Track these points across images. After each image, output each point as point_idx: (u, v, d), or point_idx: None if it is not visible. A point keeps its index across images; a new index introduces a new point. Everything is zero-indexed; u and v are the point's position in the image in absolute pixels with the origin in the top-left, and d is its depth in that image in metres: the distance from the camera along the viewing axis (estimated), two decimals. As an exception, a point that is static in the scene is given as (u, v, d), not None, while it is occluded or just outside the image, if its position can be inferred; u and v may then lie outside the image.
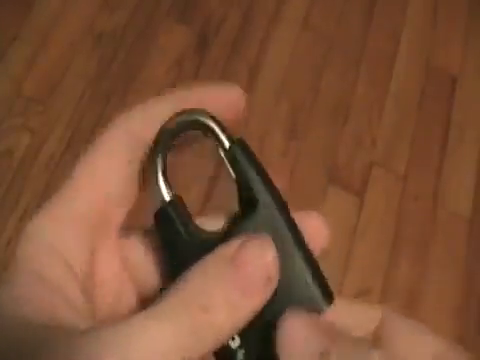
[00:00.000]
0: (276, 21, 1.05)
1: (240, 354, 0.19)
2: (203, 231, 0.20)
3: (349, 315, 0.21)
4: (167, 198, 0.20)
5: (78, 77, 0.93)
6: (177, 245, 0.20)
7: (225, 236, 0.20)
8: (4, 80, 0.91)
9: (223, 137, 0.21)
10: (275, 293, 0.19)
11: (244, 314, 0.18)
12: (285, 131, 0.96)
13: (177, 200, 0.20)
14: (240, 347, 0.19)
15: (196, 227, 0.20)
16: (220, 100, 0.22)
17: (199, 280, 0.18)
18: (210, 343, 0.18)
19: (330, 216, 1.02)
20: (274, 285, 0.19)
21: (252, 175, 0.21)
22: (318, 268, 0.21)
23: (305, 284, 0.20)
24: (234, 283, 0.18)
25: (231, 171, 0.21)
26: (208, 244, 0.19)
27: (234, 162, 0.21)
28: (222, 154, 0.21)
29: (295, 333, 0.19)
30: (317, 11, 1.07)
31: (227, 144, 0.21)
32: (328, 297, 0.20)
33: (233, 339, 0.19)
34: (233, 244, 0.19)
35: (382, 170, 0.96)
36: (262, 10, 1.05)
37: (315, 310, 0.20)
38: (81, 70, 0.94)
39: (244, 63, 1.00)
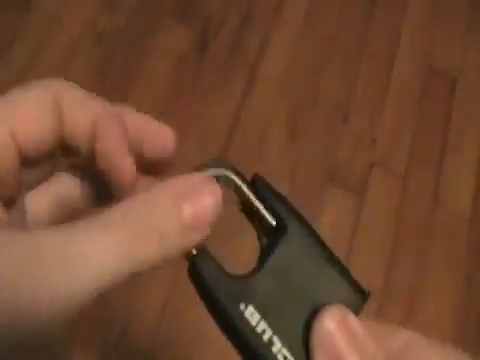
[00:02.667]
0: (276, 21, 1.05)
1: None
2: (236, 275, 0.21)
3: (373, 334, 0.21)
4: (193, 251, 0.21)
5: (78, 77, 0.93)
6: (217, 297, 0.21)
7: (259, 269, 0.21)
8: (4, 80, 0.91)
9: (245, 189, 0.23)
10: (315, 302, 0.21)
11: (187, 242, 0.19)
12: (285, 131, 0.96)
13: (203, 250, 0.21)
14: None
15: (225, 273, 0.21)
16: (154, 139, 0.23)
17: (152, 201, 0.19)
18: (150, 259, 0.19)
19: (330, 216, 1.01)
20: (210, 225, 0.20)
21: (277, 204, 0.23)
22: (348, 271, 0.22)
23: (339, 287, 0.21)
24: (186, 212, 0.19)
25: (258, 204, 0.22)
26: (248, 286, 0.21)
27: (259, 198, 0.23)
28: (246, 192, 0.22)
29: (329, 338, 0.19)
30: (317, 11, 1.07)
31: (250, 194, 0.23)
32: (362, 294, 0.22)
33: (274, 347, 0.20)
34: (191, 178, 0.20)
35: (382, 170, 0.96)
36: (262, 10, 1.05)
37: (352, 307, 0.21)
38: (81, 70, 0.94)
39: (244, 63, 1.00)
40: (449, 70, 1.07)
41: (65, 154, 0.23)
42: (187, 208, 0.19)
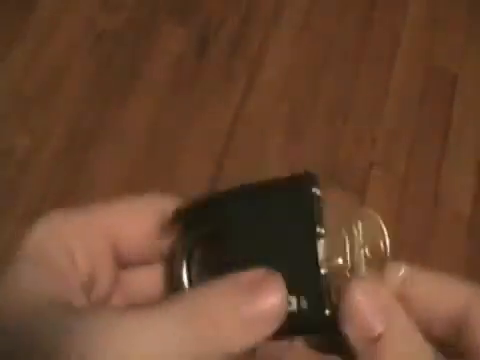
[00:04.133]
0: (276, 21, 1.05)
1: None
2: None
3: (438, 289, 0.23)
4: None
5: (78, 77, 0.93)
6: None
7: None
8: (4, 80, 0.91)
9: None
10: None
11: (250, 339, 0.19)
12: (285, 131, 0.96)
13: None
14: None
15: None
16: None
17: (216, 296, 0.19)
18: (212, 356, 0.18)
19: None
20: (277, 323, 0.19)
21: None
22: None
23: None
24: (248, 310, 0.18)
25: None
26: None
27: None
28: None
29: (361, 306, 0.20)
30: (317, 11, 1.07)
31: None
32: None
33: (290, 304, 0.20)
34: (256, 272, 0.19)
35: (382, 170, 0.96)
36: (262, 10, 1.05)
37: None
38: (81, 70, 0.94)
39: (244, 63, 1.00)
40: (449, 70, 1.07)
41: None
42: (246, 305, 0.19)
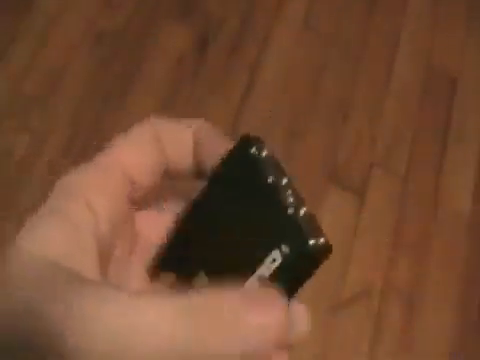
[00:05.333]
0: (276, 21, 1.05)
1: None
2: None
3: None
4: None
5: (78, 77, 0.93)
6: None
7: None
8: (4, 80, 0.91)
9: None
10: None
11: (244, 348, 0.18)
12: (285, 131, 0.96)
13: None
14: None
15: None
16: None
17: (221, 298, 0.18)
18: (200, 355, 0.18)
19: (330, 216, 1.01)
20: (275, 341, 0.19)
21: None
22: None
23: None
24: (251, 319, 0.18)
25: None
26: None
27: None
28: None
29: None
30: (317, 11, 1.07)
31: None
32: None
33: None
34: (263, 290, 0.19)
35: (382, 170, 0.96)
36: (262, 10, 1.05)
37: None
38: (81, 70, 0.94)
39: (244, 63, 1.00)
40: (449, 70, 1.07)
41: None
42: (254, 314, 0.18)
